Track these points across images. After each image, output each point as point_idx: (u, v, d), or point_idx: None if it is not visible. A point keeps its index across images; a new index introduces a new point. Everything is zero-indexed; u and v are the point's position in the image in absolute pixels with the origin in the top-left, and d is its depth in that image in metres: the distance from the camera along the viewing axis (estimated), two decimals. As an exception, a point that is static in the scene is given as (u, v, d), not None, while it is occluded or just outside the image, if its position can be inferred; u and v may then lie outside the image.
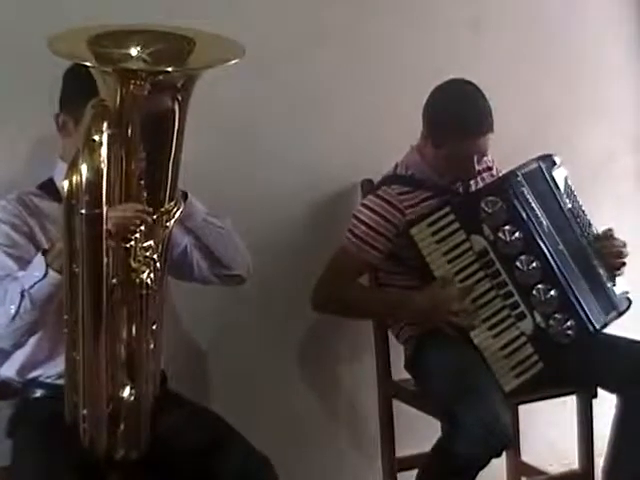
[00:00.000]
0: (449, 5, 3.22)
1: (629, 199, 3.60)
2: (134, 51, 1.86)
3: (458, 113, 2.68)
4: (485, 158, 2.83)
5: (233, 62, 1.85)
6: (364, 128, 3.08)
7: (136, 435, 2.07)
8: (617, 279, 2.83)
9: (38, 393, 2.31)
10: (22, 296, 2.05)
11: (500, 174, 2.87)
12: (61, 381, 2.17)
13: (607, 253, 2.81)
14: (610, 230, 2.84)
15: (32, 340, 2.21)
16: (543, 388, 2.71)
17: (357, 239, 2.73)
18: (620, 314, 2.82)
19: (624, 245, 2.82)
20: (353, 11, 3.05)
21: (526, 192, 2.70)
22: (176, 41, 1.91)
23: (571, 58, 3.44)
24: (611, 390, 2.74)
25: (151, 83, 1.83)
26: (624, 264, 2.83)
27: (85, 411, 2.01)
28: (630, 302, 2.85)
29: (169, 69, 1.87)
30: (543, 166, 2.80)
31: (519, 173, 2.72)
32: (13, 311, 2.06)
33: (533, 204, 2.69)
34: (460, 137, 2.68)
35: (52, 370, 2.28)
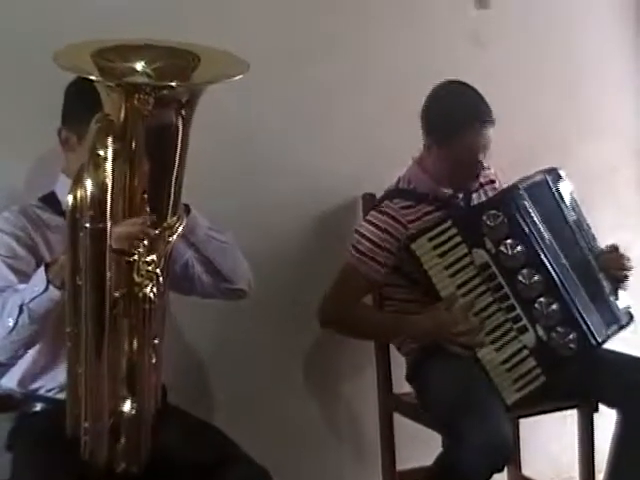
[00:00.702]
0: (449, 18, 3.23)
1: (631, 211, 3.60)
2: (139, 66, 1.87)
3: (459, 106, 2.70)
4: (488, 172, 2.85)
5: (237, 78, 1.85)
6: (365, 142, 3.08)
7: (136, 449, 2.06)
8: (620, 294, 2.83)
9: (38, 407, 2.30)
10: (21, 310, 2.04)
11: (503, 187, 2.87)
12: (62, 395, 2.17)
13: (612, 267, 2.82)
14: (615, 245, 2.85)
15: (31, 351, 2.20)
16: (545, 401, 2.71)
17: (361, 255, 2.73)
18: (621, 328, 2.82)
19: (628, 259, 2.83)
20: (354, 24, 3.07)
21: (528, 205, 2.70)
22: (180, 56, 1.91)
23: (572, 70, 3.45)
24: (611, 405, 2.73)
25: (155, 98, 1.83)
26: (627, 277, 2.83)
27: (87, 424, 2.00)
28: (632, 317, 2.85)
29: (173, 84, 1.87)
30: (549, 179, 2.81)
31: (521, 186, 2.72)
32: (11, 324, 2.05)
33: (535, 217, 2.69)
34: (465, 129, 2.67)
35: (53, 382, 2.28)
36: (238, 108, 2.82)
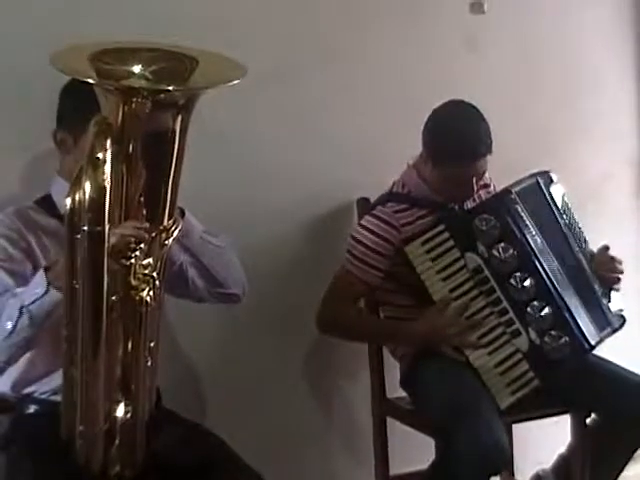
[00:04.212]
0: (445, 24, 3.23)
1: (625, 217, 3.62)
2: (137, 68, 1.86)
3: (458, 138, 2.69)
4: (482, 176, 2.86)
5: (235, 82, 1.85)
6: (360, 146, 3.09)
7: (131, 452, 2.05)
8: (612, 296, 2.84)
9: (32, 409, 2.29)
10: (21, 312, 2.03)
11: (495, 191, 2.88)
12: (56, 397, 2.16)
13: (603, 269, 2.83)
14: (606, 247, 2.86)
15: (27, 356, 2.19)
16: (538, 406, 2.72)
17: (356, 260, 2.74)
18: (614, 331, 2.83)
19: (620, 262, 2.84)
20: (349, 31, 3.07)
21: (520, 209, 2.70)
22: (179, 59, 1.91)
23: (567, 75, 3.46)
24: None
25: (153, 101, 1.83)
26: (619, 280, 2.84)
27: (82, 427, 1.99)
28: (624, 319, 2.86)
29: (171, 88, 1.86)
30: (541, 181, 2.82)
31: (513, 191, 2.73)
32: (10, 327, 2.04)
33: (527, 221, 2.70)
34: (460, 161, 2.68)
35: (46, 386, 2.27)
36: (233, 112, 2.81)
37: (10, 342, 2.07)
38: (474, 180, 2.72)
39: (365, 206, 2.95)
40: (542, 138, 3.37)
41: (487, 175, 2.88)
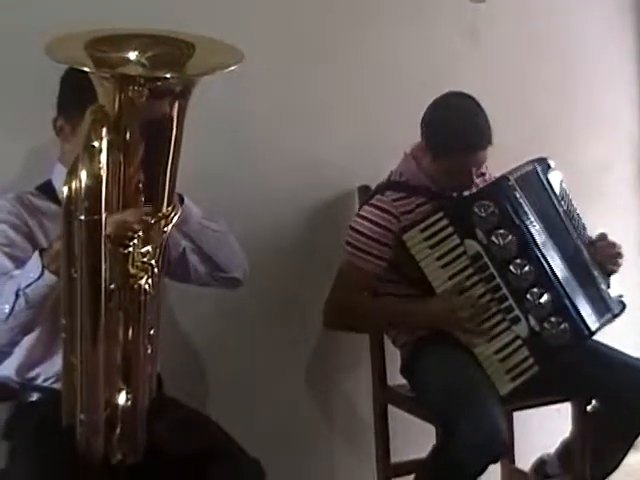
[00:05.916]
0: (446, 15, 3.24)
1: (625, 208, 3.63)
2: (132, 55, 1.84)
3: (457, 130, 2.68)
4: (480, 164, 2.86)
5: (232, 68, 1.84)
6: (361, 134, 3.10)
7: (132, 440, 2.06)
8: (612, 282, 2.84)
9: (34, 397, 2.30)
10: (17, 295, 2.04)
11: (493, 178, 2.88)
12: (58, 385, 2.16)
13: (602, 255, 2.83)
14: (604, 234, 2.85)
15: (29, 338, 2.21)
16: (539, 392, 2.71)
17: (357, 250, 2.73)
18: (615, 316, 2.83)
19: (619, 247, 2.84)
20: (352, 21, 3.08)
21: (518, 196, 2.70)
22: (175, 46, 1.89)
23: (568, 66, 3.46)
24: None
25: (149, 88, 1.81)
26: (618, 266, 2.84)
27: (82, 416, 1.99)
28: (624, 305, 2.86)
29: (168, 75, 1.86)
30: (538, 168, 2.81)
31: (511, 177, 2.73)
32: (7, 310, 2.05)
33: (526, 207, 2.70)
34: (459, 153, 2.68)
35: (51, 371, 2.28)
36: (234, 100, 2.81)
37: (8, 325, 2.08)
38: (473, 171, 2.72)
39: (366, 194, 2.94)
40: (542, 129, 3.37)
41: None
